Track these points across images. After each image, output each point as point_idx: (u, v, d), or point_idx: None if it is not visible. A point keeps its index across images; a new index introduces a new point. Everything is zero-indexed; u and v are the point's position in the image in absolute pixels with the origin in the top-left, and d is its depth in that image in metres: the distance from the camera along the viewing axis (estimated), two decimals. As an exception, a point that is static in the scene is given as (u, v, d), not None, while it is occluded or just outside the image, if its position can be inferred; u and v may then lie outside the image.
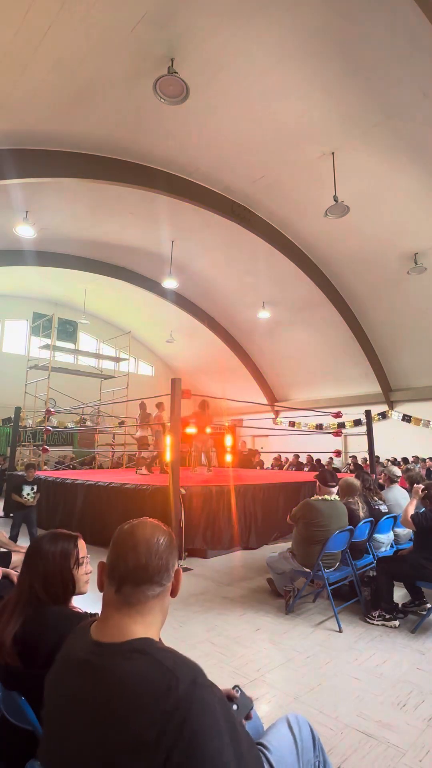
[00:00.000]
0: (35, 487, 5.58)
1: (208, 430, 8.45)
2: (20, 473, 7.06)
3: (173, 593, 0.97)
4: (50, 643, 1.30)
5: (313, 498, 3.69)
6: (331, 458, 12.77)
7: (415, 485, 3.49)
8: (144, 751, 0.73)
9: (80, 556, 1.57)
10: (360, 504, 4.00)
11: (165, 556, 0.94)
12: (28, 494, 5.45)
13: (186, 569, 4.72)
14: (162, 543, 0.95)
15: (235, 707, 1.13)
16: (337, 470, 11.73)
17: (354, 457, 13.22)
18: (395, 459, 12.35)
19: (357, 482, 4.20)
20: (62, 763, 0.84)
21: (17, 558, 3.06)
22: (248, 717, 1.19)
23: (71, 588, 1.50)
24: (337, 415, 8.61)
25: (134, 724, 0.76)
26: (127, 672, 0.81)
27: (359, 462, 12.54)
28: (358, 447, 13.21)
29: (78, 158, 7.29)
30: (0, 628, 1.33)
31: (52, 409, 10.13)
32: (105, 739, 0.78)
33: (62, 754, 0.84)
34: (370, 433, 8.31)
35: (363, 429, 8.83)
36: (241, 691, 1.18)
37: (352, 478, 4.28)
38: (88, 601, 1.78)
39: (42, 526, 6.91)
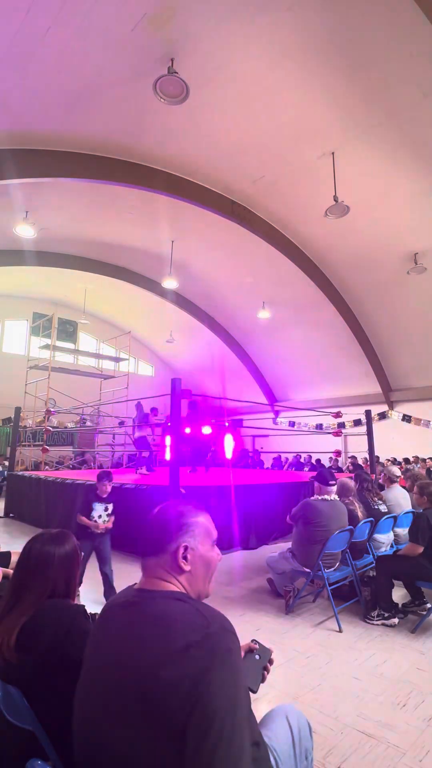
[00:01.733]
0: (110, 507, 3.98)
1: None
2: (89, 483, 5.27)
3: (179, 569, 1.02)
4: (51, 632, 1.30)
5: (313, 498, 3.69)
6: (336, 459, 12.76)
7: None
8: (172, 679, 0.80)
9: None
10: (357, 504, 4.01)
11: (167, 534, 1.04)
12: (100, 516, 3.88)
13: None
14: (165, 523, 1.06)
15: (257, 657, 1.27)
16: (339, 470, 11.73)
17: (354, 457, 13.22)
18: (395, 459, 12.35)
19: (352, 483, 4.21)
20: (100, 692, 0.91)
21: (17, 558, 3.06)
22: (271, 662, 1.34)
23: (74, 586, 1.50)
24: (337, 415, 8.61)
25: (167, 653, 0.84)
26: (166, 609, 0.92)
27: (359, 462, 12.54)
28: (358, 447, 13.22)
29: (78, 158, 7.29)
30: (4, 631, 1.32)
31: (52, 409, 10.13)
32: (139, 670, 0.85)
33: (100, 684, 0.92)
34: (370, 433, 8.31)
35: (363, 429, 8.83)
36: (260, 643, 1.31)
37: (346, 479, 4.28)
38: (89, 602, 1.78)
39: (42, 526, 6.91)
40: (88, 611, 1.49)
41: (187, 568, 1.01)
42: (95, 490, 4.00)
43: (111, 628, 0.98)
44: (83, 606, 1.44)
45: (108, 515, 3.97)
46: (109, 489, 4.01)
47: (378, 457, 10.20)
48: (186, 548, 1.02)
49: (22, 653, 1.28)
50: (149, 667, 0.83)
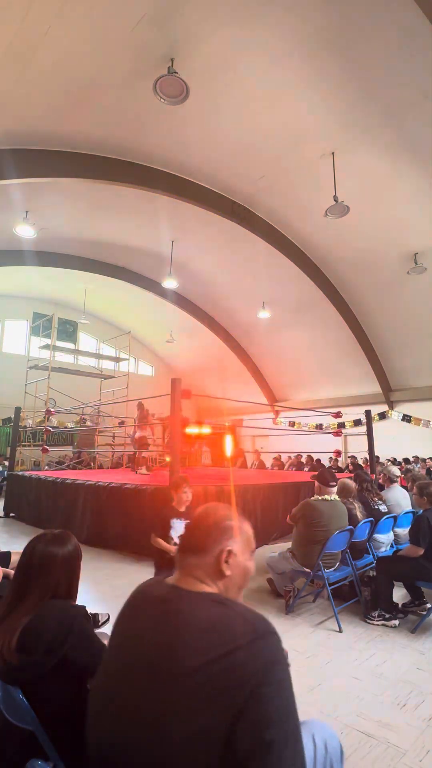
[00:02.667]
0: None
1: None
2: (156, 489, 4.15)
3: (221, 574, 1.01)
4: (52, 634, 1.30)
5: (313, 498, 3.69)
6: (336, 459, 12.76)
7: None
8: (220, 680, 0.77)
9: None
10: (356, 505, 4.01)
11: (212, 535, 1.03)
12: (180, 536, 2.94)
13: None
14: (212, 524, 1.05)
15: None
16: (339, 470, 11.73)
17: (353, 458, 13.22)
18: (395, 459, 12.35)
19: (352, 484, 4.21)
20: (130, 687, 0.87)
21: (17, 558, 3.06)
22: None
23: (76, 587, 1.50)
24: (337, 415, 8.61)
25: (216, 654, 0.79)
26: (210, 612, 0.89)
27: (359, 462, 12.54)
28: (358, 447, 13.21)
29: (78, 158, 7.29)
30: (5, 632, 1.32)
31: (52, 409, 10.13)
32: (184, 668, 0.80)
33: (130, 678, 0.88)
34: (370, 433, 8.31)
35: (363, 429, 8.83)
36: None
37: (347, 480, 4.28)
38: (89, 602, 1.78)
39: (42, 526, 6.91)
40: (89, 611, 1.49)
41: (227, 573, 1.00)
42: (170, 502, 3.10)
43: (146, 621, 0.95)
44: (84, 607, 1.44)
45: None
46: (190, 498, 3.09)
47: (378, 457, 10.20)
48: (229, 553, 1.01)
49: (22, 654, 1.27)
50: (195, 668, 0.79)
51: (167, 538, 2.98)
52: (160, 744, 0.77)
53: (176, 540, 2.87)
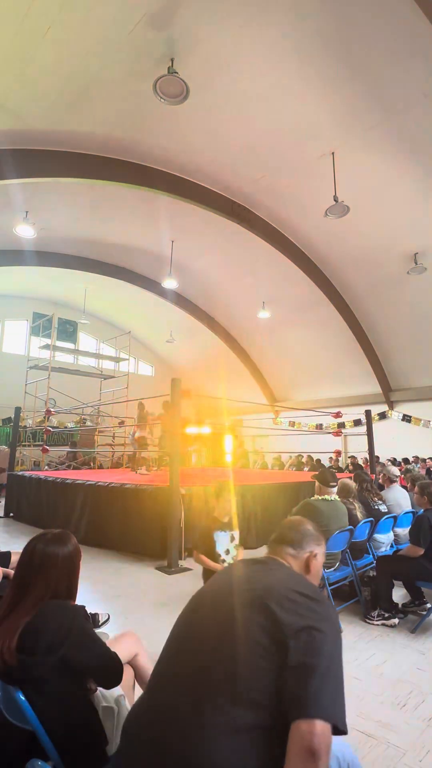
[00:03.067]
0: (236, 535, 2.81)
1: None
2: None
3: (308, 569, 1.33)
4: (52, 634, 1.30)
5: (313, 498, 3.69)
6: (336, 459, 12.76)
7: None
8: (292, 616, 1.01)
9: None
10: (356, 505, 4.01)
11: (308, 539, 1.37)
12: (227, 552, 2.73)
13: (186, 569, 4.72)
14: (310, 530, 1.39)
15: None
16: (340, 470, 11.73)
17: (354, 458, 13.22)
18: (395, 459, 12.35)
19: (353, 484, 4.21)
20: (213, 615, 1.13)
21: (17, 558, 3.06)
22: None
23: (75, 587, 1.51)
24: (337, 415, 8.61)
25: (291, 594, 1.07)
26: (292, 570, 1.25)
27: (359, 462, 12.54)
28: (358, 447, 13.21)
29: (78, 158, 7.29)
30: (5, 632, 1.32)
31: (52, 409, 10.13)
32: (261, 600, 1.05)
33: (214, 611, 1.14)
34: (370, 433, 8.31)
35: (363, 429, 8.83)
36: None
37: (347, 480, 4.28)
38: (89, 602, 1.78)
39: (42, 526, 6.91)
40: (88, 611, 1.49)
41: (312, 570, 1.32)
42: (211, 512, 2.68)
43: (242, 572, 1.22)
44: (83, 607, 1.45)
45: (236, 546, 2.61)
46: (233, 508, 2.57)
47: (378, 457, 10.20)
48: (315, 555, 1.34)
49: (22, 655, 1.27)
50: (283, 595, 1.05)
51: (213, 555, 2.54)
52: (233, 643, 1.00)
53: (224, 557, 2.54)
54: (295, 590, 1.08)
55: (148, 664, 1.80)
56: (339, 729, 0.90)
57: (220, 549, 2.70)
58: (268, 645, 0.96)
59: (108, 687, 1.45)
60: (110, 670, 1.42)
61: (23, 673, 1.28)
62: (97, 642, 1.41)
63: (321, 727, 0.86)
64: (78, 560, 1.51)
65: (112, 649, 1.51)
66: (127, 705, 1.53)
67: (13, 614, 1.36)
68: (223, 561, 2.63)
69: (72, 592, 1.48)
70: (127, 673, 1.69)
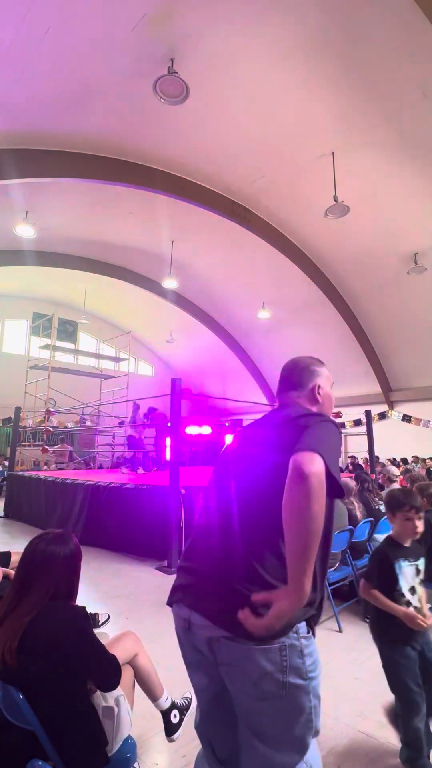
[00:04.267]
0: (421, 566, 1.94)
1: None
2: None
3: (316, 401, 1.40)
4: (53, 634, 1.31)
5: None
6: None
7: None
8: (287, 431, 1.15)
9: None
10: (356, 504, 4.00)
11: (306, 375, 1.43)
12: (413, 591, 1.86)
13: (186, 569, 4.71)
14: (306, 367, 1.45)
15: None
16: (340, 470, 11.71)
17: (353, 457, 13.22)
18: (394, 459, 12.35)
19: (352, 483, 4.21)
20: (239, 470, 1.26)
21: (17, 558, 3.06)
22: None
23: (76, 588, 1.51)
24: (337, 415, 8.61)
25: (289, 419, 1.21)
26: (295, 407, 1.34)
27: (359, 462, 12.53)
28: (358, 447, 13.21)
29: (78, 158, 7.29)
30: (7, 633, 1.32)
31: (52, 409, 10.13)
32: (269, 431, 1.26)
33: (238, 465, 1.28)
34: (370, 433, 8.31)
35: (363, 429, 8.83)
36: None
37: (346, 480, 4.28)
38: (89, 602, 1.78)
39: (41, 526, 6.91)
40: (88, 612, 1.49)
41: (320, 400, 1.39)
42: (392, 540, 1.93)
43: (261, 420, 1.37)
44: (84, 608, 1.44)
45: (420, 583, 1.87)
46: (420, 528, 1.89)
47: (378, 457, 10.20)
48: (319, 387, 1.40)
49: (22, 655, 1.27)
50: (289, 419, 1.21)
51: (393, 594, 1.81)
52: (263, 477, 1.14)
53: (408, 597, 1.80)
54: (291, 417, 1.21)
55: (148, 664, 1.80)
56: (333, 477, 1.01)
57: (404, 586, 1.85)
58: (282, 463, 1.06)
59: (106, 689, 1.44)
60: (108, 672, 1.42)
61: (23, 673, 1.28)
62: (96, 644, 1.41)
63: (307, 455, 1.00)
64: (79, 561, 1.52)
65: (112, 650, 1.51)
66: (128, 705, 1.53)
67: (15, 613, 1.36)
68: (408, 603, 1.80)
69: (72, 592, 1.49)
70: (127, 673, 1.69)
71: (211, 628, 1.07)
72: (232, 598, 1.03)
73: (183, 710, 1.90)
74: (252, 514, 1.13)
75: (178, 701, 1.91)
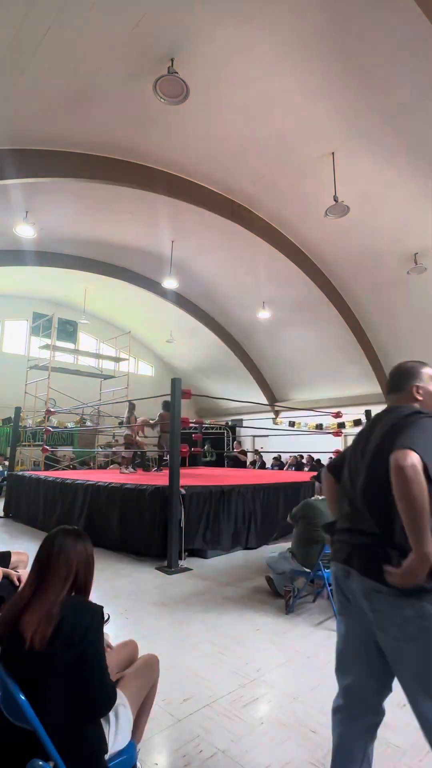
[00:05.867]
0: None
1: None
2: None
3: (416, 400, 1.55)
4: (71, 629, 1.32)
5: (313, 498, 3.69)
6: (331, 458, 12.76)
7: None
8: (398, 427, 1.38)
9: None
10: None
11: (405, 378, 1.60)
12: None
13: (186, 569, 4.72)
14: (405, 371, 1.61)
15: None
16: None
17: None
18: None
19: None
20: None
21: (17, 558, 3.06)
22: None
23: (91, 583, 1.53)
24: (337, 415, 8.61)
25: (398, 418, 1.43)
26: (386, 419, 1.49)
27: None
28: (358, 447, 13.15)
29: (78, 158, 7.29)
30: (41, 617, 1.32)
31: (52, 409, 10.14)
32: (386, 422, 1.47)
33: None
34: (370, 433, 8.27)
35: (363, 429, 8.80)
36: None
37: None
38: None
39: (39, 526, 6.92)
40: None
41: (420, 398, 1.55)
42: None
43: (372, 422, 1.55)
44: (102, 607, 1.46)
45: None
46: None
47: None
48: (418, 387, 1.56)
49: (52, 642, 1.30)
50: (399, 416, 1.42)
51: None
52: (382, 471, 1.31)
53: None
54: (390, 423, 1.42)
55: (150, 704, 1.71)
56: (426, 466, 1.20)
57: None
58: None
59: (93, 712, 1.39)
60: (101, 695, 1.39)
61: (42, 661, 1.29)
62: (101, 655, 1.40)
63: (401, 452, 1.22)
64: (92, 558, 1.53)
65: (138, 671, 1.59)
66: (129, 715, 1.51)
67: (40, 599, 1.36)
68: None
69: (88, 588, 1.51)
70: (141, 682, 1.64)
71: (365, 580, 1.34)
72: (379, 557, 1.31)
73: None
74: (381, 497, 1.35)
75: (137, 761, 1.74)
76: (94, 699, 1.37)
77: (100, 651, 1.39)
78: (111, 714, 1.45)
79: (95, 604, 1.44)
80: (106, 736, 1.40)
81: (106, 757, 1.39)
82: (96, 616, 1.40)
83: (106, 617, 3.25)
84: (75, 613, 1.37)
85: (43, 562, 1.45)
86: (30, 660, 1.29)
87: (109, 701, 1.40)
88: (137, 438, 8.96)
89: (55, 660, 1.29)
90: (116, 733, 1.43)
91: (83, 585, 1.48)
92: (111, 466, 11.75)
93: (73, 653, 1.30)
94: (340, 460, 1.66)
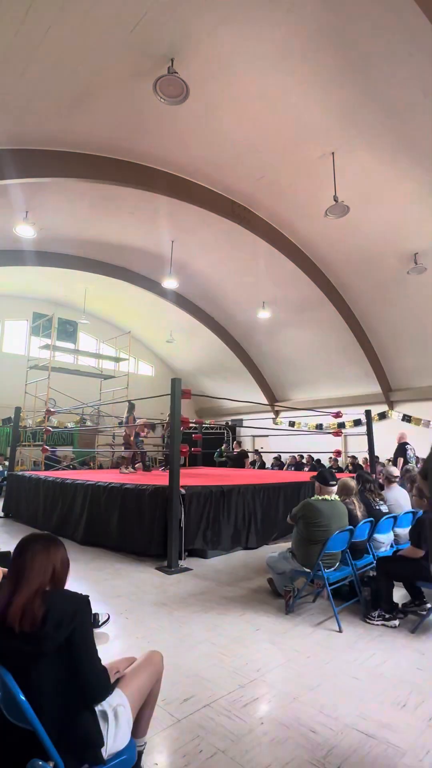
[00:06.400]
0: None
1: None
2: None
3: None
4: (58, 616, 1.36)
5: (313, 498, 3.69)
6: (336, 459, 12.76)
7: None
8: None
9: None
10: (357, 504, 4.00)
11: None
12: None
13: (186, 569, 4.72)
14: None
15: None
16: (340, 470, 11.72)
17: (354, 458, 13.22)
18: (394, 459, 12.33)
19: (353, 483, 4.21)
20: None
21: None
22: None
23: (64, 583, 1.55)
24: (337, 415, 8.61)
25: None
26: None
27: (359, 462, 12.53)
28: (358, 447, 13.20)
29: (78, 158, 7.29)
30: (31, 602, 1.36)
31: (52, 409, 10.13)
32: None
33: None
34: (370, 433, 8.32)
35: (363, 429, 8.84)
36: None
37: (348, 479, 4.28)
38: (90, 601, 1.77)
39: (39, 526, 6.92)
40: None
41: None
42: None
43: None
44: (88, 596, 1.48)
45: None
46: None
47: (378, 457, 10.19)
48: None
49: (42, 625, 1.33)
50: None
51: None
52: None
53: None
54: None
55: (153, 700, 1.69)
56: None
57: None
58: None
59: (88, 699, 1.41)
60: (97, 681, 1.42)
61: (33, 645, 1.32)
62: (90, 641, 1.44)
63: None
64: (66, 563, 1.54)
65: (139, 670, 1.61)
66: (129, 715, 1.51)
67: (20, 589, 1.38)
68: None
69: (64, 579, 1.54)
70: (142, 680, 1.64)
71: None
72: None
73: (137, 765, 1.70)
74: None
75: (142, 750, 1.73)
76: (85, 683, 1.39)
77: (89, 636, 1.42)
78: (110, 713, 1.45)
79: (82, 596, 1.48)
80: (104, 734, 1.41)
81: (106, 754, 1.39)
82: (83, 602, 1.44)
83: (106, 617, 3.25)
84: (63, 600, 1.42)
85: (18, 563, 1.46)
86: (21, 647, 1.32)
87: (101, 686, 1.43)
88: (132, 439, 8.95)
89: (46, 643, 1.32)
90: (116, 733, 1.43)
91: (60, 580, 1.51)
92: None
93: (63, 636, 1.34)
94: None
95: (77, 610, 1.39)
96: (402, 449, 8.34)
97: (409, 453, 8.43)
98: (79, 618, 1.38)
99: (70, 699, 1.37)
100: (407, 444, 8.44)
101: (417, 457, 12.10)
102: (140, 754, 1.69)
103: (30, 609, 1.34)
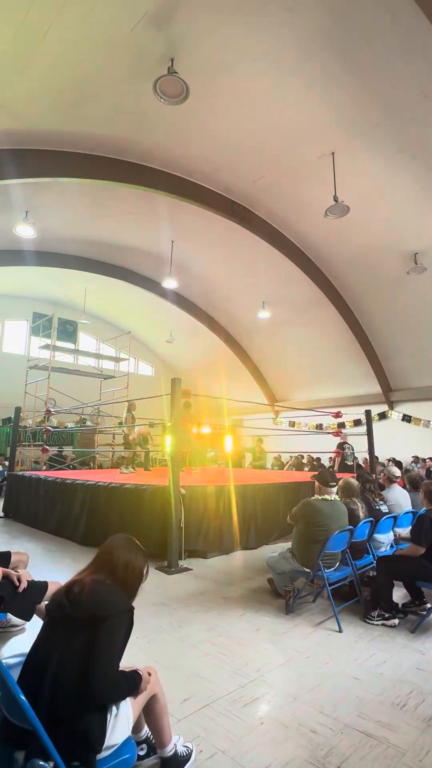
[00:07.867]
0: None
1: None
2: None
3: None
4: (96, 607, 1.47)
5: (313, 498, 3.69)
6: (332, 459, 12.75)
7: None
8: None
9: None
10: (359, 504, 4.00)
11: None
12: None
13: (186, 569, 4.72)
14: None
15: None
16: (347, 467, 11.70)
17: (354, 458, 13.19)
18: (394, 459, 12.34)
19: (356, 483, 4.21)
20: None
21: (17, 558, 3.07)
22: None
23: (133, 592, 1.65)
24: (337, 415, 8.61)
25: None
26: None
27: (359, 462, 12.50)
28: (358, 447, 13.18)
29: (78, 158, 7.28)
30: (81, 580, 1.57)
31: (52, 409, 10.13)
32: None
33: None
34: (370, 433, 8.31)
35: (363, 429, 8.83)
36: None
37: (350, 479, 4.28)
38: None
39: (39, 526, 6.91)
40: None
41: None
42: None
43: None
44: (133, 608, 1.57)
45: None
46: None
47: (378, 457, 10.19)
48: None
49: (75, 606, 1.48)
50: None
51: None
52: None
53: None
54: None
55: (162, 707, 1.68)
56: None
57: None
58: None
59: (92, 696, 1.41)
60: (107, 682, 1.43)
61: (72, 619, 1.45)
62: (118, 651, 1.48)
63: None
64: (134, 571, 1.67)
65: None
66: (130, 713, 1.51)
67: (86, 572, 1.60)
68: None
69: (136, 589, 1.66)
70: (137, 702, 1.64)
71: None
72: None
73: (182, 763, 1.72)
74: None
75: (180, 750, 1.74)
76: (95, 681, 1.40)
77: (116, 640, 1.46)
78: (107, 711, 1.46)
79: (127, 603, 1.57)
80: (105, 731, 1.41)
81: (105, 753, 1.40)
82: (124, 607, 1.53)
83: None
84: (111, 594, 1.53)
85: (97, 556, 1.69)
86: (67, 622, 1.46)
87: (111, 687, 1.44)
88: (132, 438, 8.95)
89: (78, 610, 1.46)
90: (113, 726, 1.43)
91: (133, 585, 1.63)
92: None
93: (93, 617, 1.43)
94: None
95: (116, 613, 1.48)
96: (341, 447, 9.03)
97: (347, 451, 9.00)
98: (115, 617, 1.47)
99: (83, 693, 1.40)
100: (346, 443, 9.16)
101: (417, 458, 12.10)
102: (177, 754, 1.73)
103: (83, 583, 1.53)
